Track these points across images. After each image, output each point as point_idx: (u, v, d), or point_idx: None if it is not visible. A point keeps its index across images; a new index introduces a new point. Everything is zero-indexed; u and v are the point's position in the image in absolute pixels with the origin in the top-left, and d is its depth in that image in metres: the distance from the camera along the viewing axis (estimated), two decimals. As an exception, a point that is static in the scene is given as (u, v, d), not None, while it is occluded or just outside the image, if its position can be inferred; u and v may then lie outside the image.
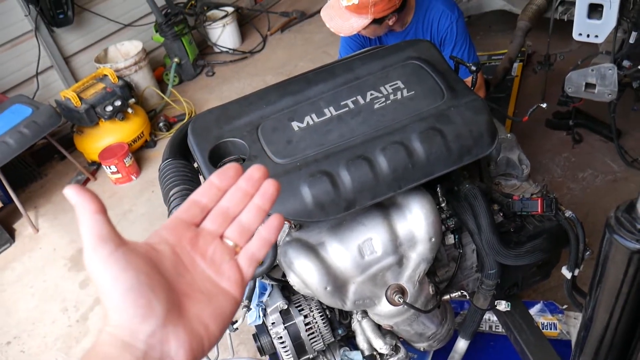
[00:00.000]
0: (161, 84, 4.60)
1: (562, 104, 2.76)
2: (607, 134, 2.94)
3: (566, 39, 3.49)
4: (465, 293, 1.56)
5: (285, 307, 1.50)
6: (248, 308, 1.41)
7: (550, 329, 2.12)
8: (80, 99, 3.63)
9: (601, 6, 2.16)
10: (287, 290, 1.55)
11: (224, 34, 4.95)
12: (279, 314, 1.50)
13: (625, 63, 2.34)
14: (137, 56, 4.25)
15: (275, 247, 1.28)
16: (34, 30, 4.01)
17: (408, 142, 1.32)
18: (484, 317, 2.09)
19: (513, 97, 3.41)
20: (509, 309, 1.65)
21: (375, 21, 2.13)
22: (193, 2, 4.93)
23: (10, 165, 3.44)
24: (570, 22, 3.00)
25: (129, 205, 3.51)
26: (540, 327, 2.06)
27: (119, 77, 3.87)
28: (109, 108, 3.67)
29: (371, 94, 1.45)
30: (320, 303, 1.51)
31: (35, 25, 4.00)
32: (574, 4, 3.09)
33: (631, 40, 2.37)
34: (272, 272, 1.46)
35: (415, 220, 1.37)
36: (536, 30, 3.41)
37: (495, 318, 2.16)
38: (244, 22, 5.30)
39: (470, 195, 1.48)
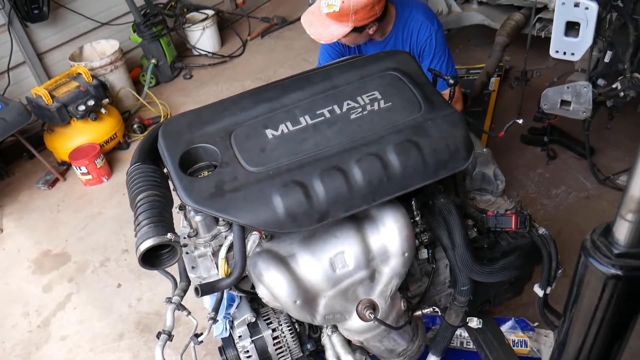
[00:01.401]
0: (137, 85, 4.52)
1: (537, 120, 2.78)
2: (580, 152, 2.97)
3: (543, 55, 3.53)
4: (437, 309, 1.53)
5: (253, 320, 1.46)
6: (214, 320, 1.36)
7: (521, 346, 2.11)
8: (52, 96, 3.53)
9: (578, 24, 2.18)
10: (255, 303, 1.50)
11: (203, 36, 4.89)
12: (246, 327, 1.46)
13: (600, 81, 2.37)
14: (113, 56, 4.17)
15: (244, 257, 1.24)
16: (6, 24, 3.90)
17: (384, 154, 1.29)
18: (455, 332, 2.07)
19: (490, 112, 3.43)
20: (480, 326, 1.63)
21: (356, 29, 2.12)
22: (173, 3, 4.87)
23: (-24, 162, 3.33)
24: (547, 39, 3.03)
25: (98, 208, 3.42)
26: (511, 345, 2.06)
27: (94, 77, 3.79)
28: (82, 107, 3.58)
29: (348, 104, 1.42)
30: (290, 317, 1.48)
31: (9, 19, 3.89)
32: (551, 21, 3.14)
33: (606, 59, 2.40)
34: (241, 283, 1.42)
35: (389, 234, 1.35)
36: (514, 46, 3.44)
37: (466, 334, 2.14)
38: (224, 26, 5.25)
39: (444, 210, 1.47)
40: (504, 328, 2.14)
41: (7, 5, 3.84)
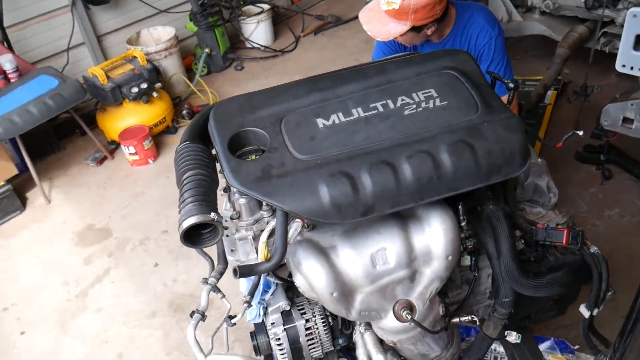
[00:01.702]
0: (189, 72, 4.60)
1: (595, 136, 2.67)
2: (638, 174, 2.83)
3: (605, 71, 3.42)
4: (475, 319, 1.48)
5: (288, 308, 1.44)
6: (249, 304, 1.35)
7: (558, 367, 2.04)
8: (108, 77, 3.63)
9: (649, 39, 2.08)
10: (291, 292, 1.49)
11: (257, 30, 4.94)
12: (280, 314, 1.44)
13: (667, 101, 2.25)
14: (169, 42, 4.25)
15: (285, 243, 1.22)
16: (70, 5, 4.04)
17: (436, 152, 1.26)
18: (491, 346, 2.01)
19: (544, 125, 3.32)
20: (518, 341, 1.58)
21: (414, 29, 2.08)
22: (231, -5, 4.93)
23: (31, 134, 3.44)
24: (611, 55, 2.92)
25: (142, 188, 3.49)
26: (548, 364, 1.98)
27: (149, 61, 3.87)
28: (135, 89, 3.66)
29: (402, 100, 1.39)
30: (324, 309, 1.45)
31: (72, 0, 4.02)
32: (616, 36, 3.03)
33: (676, 79, 2.28)
34: (279, 270, 1.40)
35: (434, 235, 1.31)
36: (574, 60, 3.33)
37: (501, 349, 2.07)
38: (279, 21, 5.29)
39: (493, 217, 1.41)
40: (542, 347, 2.06)
41: (73, -14, 3.97)
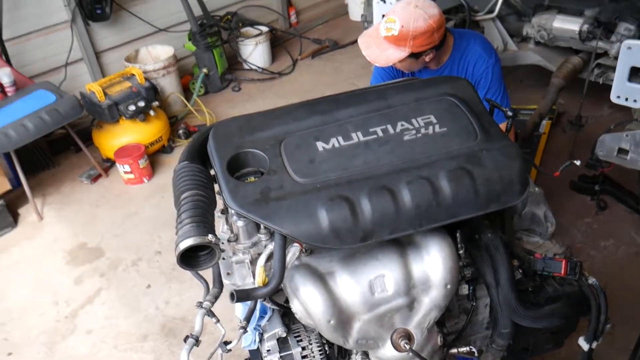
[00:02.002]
0: (186, 92, 4.61)
1: (590, 166, 2.69)
2: (633, 205, 2.85)
3: (599, 102, 3.46)
4: (473, 349, 1.46)
5: (284, 335, 1.41)
6: (245, 329, 1.33)
7: (554, 399, 2.01)
8: (105, 94, 3.63)
9: (644, 71, 2.11)
10: (287, 318, 1.46)
11: (255, 51, 4.97)
12: (276, 341, 1.42)
13: (662, 133, 2.27)
14: (167, 61, 4.27)
15: (283, 268, 1.21)
16: (70, 21, 4.05)
17: (435, 179, 1.25)
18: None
19: (539, 154, 3.35)
20: (516, 373, 1.56)
21: (413, 55, 2.10)
22: (229, 16, 4.98)
23: (25, 149, 3.42)
24: (604, 86, 2.96)
25: (136, 208, 3.46)
26: (544, 396, 1.95)
27: (147, 79, 3.88)
28: (132, 107, 3.66)
29: (402, 125, 1.39)
30: (321, 336, 1.43)
31: (72, 16, 4.04)
32: (610, 67, 3.07)
33: (670, 111, 2.31)
34: (275, 295, 1.38)
35: (433, 263, 1.30)
36: (569, 90, 3.37)
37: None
38: (277, 44, 5.33)
39: (491, 246, 1.41)
40: (538, 379, 2.03)
41: (72, 3, 3.99)
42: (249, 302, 1.36)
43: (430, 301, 1.32)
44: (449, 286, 1.31)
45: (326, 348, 1.45)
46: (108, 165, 3.87)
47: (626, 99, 2.22)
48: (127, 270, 2.97)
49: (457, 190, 1.25)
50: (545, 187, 2.78)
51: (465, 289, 1.47)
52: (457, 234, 1.40)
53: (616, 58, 2.31)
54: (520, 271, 1.52)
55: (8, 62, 3.68)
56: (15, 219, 3.41)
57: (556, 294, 1.47)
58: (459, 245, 1.41)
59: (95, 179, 3.76)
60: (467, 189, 1.26)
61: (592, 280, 1.47)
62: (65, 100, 3.36)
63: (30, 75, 3.88)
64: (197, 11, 4.50)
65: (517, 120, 3.56)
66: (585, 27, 3.06)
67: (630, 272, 2.53)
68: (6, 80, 3.36)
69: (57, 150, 4.01)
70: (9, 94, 3.38)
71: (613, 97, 2.27)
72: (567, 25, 3.20)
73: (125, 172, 3.63)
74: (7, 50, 3.73)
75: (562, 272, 1.44)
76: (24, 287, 2.95)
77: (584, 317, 1.49)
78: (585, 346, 1.46)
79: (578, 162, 1.68)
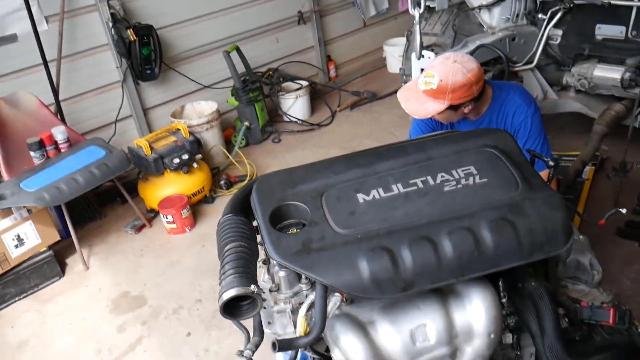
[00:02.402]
0: (228, 144, 4.75)
1: (637, 212, 2.63)
2: (682, 251, 2.75)
3: (644, 148, 3.39)
4: (519, 402, 1.42)
5: (325, 384, 1.41)
6: (286, 379, 1.33)
7: None
8: (152, 148, 3.78)
9: (688, 118, 2.08)
10: (328, 367, 1.46)
11: (295, 104, 5.11)
12: (316, 391, 1.42)
13: None
14: (211, 116, 4.43)
15: (324, 317, 1.22)
16: (121, 81, 4.29)
17: (477, 229, 1.26)
18: None
19: (582, 201, 3.28)
20: None
21: (451, 107, 2.13)
22: (271, 72, 5.17)
23: (74, 202, 3.56)
24: (649, 133, 2.92)
25: (177, 257, 3.53)
26: None
27: (191, 133, 4.02)
28: (177, 160, 3.79)
29: (442, 176, 1.41)
30: (362, 387, 1.42)
31: (124, 77, 4.27)
32: (655, 114, 3.03)
33: None
34: (316, 344, 1.39)
35: (475, 312, 1.29)
36: (612, 137, 3.32)
37: None
38: (316, 96, 5.47)
39: (535, 295, 1.39)
40: None
41: (124, 65, 4.23)
42: (290, 352, 1.37)
43: (473, 351, 1.30)
44: (492, 335, 1.29)
45: (368, 400, 1.43)
46: (152, 215, 3.98)
47: (671, 146, 2.19)
48: (168, 318, 3.01)
49: (499, 240, 1.26)
50: (590, 234, 2.72)
51: (509, 338, 1.45)
52: (500, 283, 1.39)
53: (659, 104, 2.29)
54: (567, 320, 1.48)
55: (63, 120, 3.90)
56: (62, 268, 3.53)
57: (605, 344, 1.43)
58: (502, 294, 1.39)
59: (139, 229, 3.87)
60: (509, 239, 1.27)
61: (643, 330, 1.42)
62: (114, 155, 3.51)
63: (83, 132, 4.09)
64: (240, 68, 4.69)
65: (560, 166, 3.52)
66: (628, 75, 3.05)
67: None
68: (60, 138, 3.55)
69: (104, 202, 4.17)
70: (62, 150, 3.56)
71: (657, 144, 2.24)
72: (609, 73, 3.19)
73: (168, 222, 3.73)
74: (62, 110, 3.96)
75: (611, 320, 1.41)
76: (70, 335, 3.02)
77: (636, 370, 1.43)
78: (638, 401, 1.40)
79: (624, 210, 1.65)
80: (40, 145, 3.46)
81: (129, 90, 4.36)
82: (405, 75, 3.56)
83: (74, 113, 4.14)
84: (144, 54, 4.20)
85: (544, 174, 1.76)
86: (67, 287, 3.40)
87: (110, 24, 4.07)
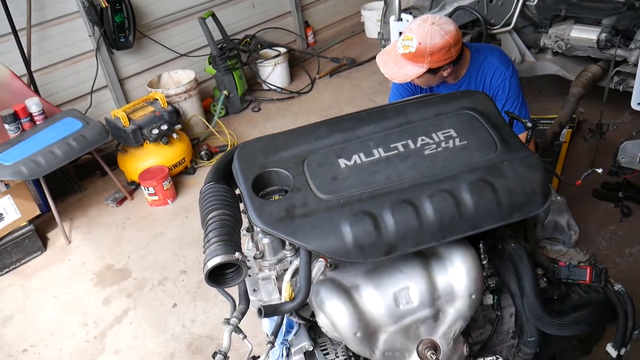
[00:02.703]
0: (207, 114, 4.70)
1: (613, 174, 2.68)
2: (658, 211, 2.82)
3: (619, 109, 3.44)
4: (500, 359, 1.46)
5: (311, 348, 1.43)
6: (272, 344, 1.35)
7: (585, 410, 1.98)
8: (130, 119, 3.72)
9: (663, 78, 2.11)
10: (313, 332, 1.48)
11: (274, 72, 5.05)
12: (303, 355, 1.44)
13: (684, 139, 2.26)
14: (189, 85, 4.37)
15: (309, 283, 1.23)
16: (94, 50, 4.18)
17: (457, 191, 1.27)
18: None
19: (560, 163, 3.33)
20: (545, 382, 1.55)
21: (430, 71, 2.13)
22: (248, 39, 5.09)
23: (53, 175, 3.52)
24: (625, 93, 2.95)
25: (160, 228, 3.53)
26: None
27: (169, 103, 3.97)
28: (155, 131, 3.74)
29: (422, 140, 1.42)
30: (347, 349, 1.44)
31: (97, 46, 4.17)
32: (630, 74, 3.06)
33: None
34: (301, 310, 1.41)
35: (457, 274, 1.31)
36: (588, 99, 3.36)
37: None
38: (295, 64, 5.41)
39: (515, 256, 1.42)
40: (568, 389, 2.01)
41: (97, 33, 4.12)
42: (275, 318, 1.39)
43: (455, 312, 1.33)
44: (473, 296, 1.32)
45: (353, 361, 1.47)
46: (133, 188, 3.95)
47: (646, 106, 2.22)
48: (154, 290, 3.02)
49: (479, 202, 1.27)
50: (568, 195, 2.77)
51: (489, 299, 1.48)
52: (480, 245, 1.42)
53: (636, 65, 2.32)
54: (545, 279, 1.52)
55: (36, 91, 3.81)
56: (44, 243, 3.50)
57: (582, 302, 1.47)
58: (483, 256, 1.42)
59: (120, 201, 3.84)
60: (489, 200, 1.28)
61: (618, 286, 1.47)
62: (92, 127, 3.46)
63: (58, 104, 4.01)
64: (217, 35, 4.60)
65: (537, 129, 3.55)
66: (604, 35, 3.06)
67: (658, 279, 2.50)
68: (35, 110, 3.47)
69: (84, 175, 4.11)
70: (37, 123, 3.49)
71: (634, 104, 2.27)
72: (585, 34, 3.19)
73: (150, 194, 3.70)
74: (35, 81, 3.86)
75: (587, 279, 1.44)
76: (54, 309, 3.01)
77: (611, 324, 1.48)
78: (613, 353, 1.45)
79: (600, 170, 1.68)
80: (15, 117, 3.39)
81: (103, 60, 4.26)
82: (384, 39, 3.53)
83: (47, 84, 4.04)
84: (117, 22, 4.10)
85: (522, 136, 1.78)
86: (49, 261, 3.38)
87: (81, -9, 3.95)
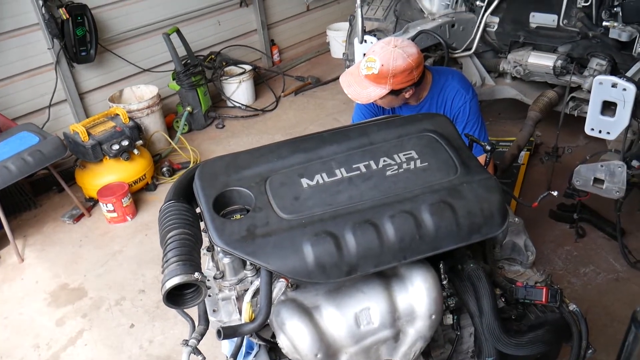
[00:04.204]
0: (170, 130, 4.64)
1: (568, 196, 2.76)
2: (611, 232, 2.91)
3: (575, 133, 3.56)
4: (459, 379, 1.48)
5: (271, 370, 1.42)
6: (231, 367, 1.33)
7: None
8: (89, 134, 3.64)
9: (615, 104, 2.19)
10: (274, 353, 1.47)
11: (238, 89, 5.04)
12: (262, 377, 1.42)
13: (635, 163, 2.35)
14: (151, 100, 4.31)
15: (270, 304, 1.22)
16: (54, 63, 4.08)
17: (418, 212, 1.29)
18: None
19: (518, 185, 3.42)
20: (503, 402, 1.56)
21: (393, 92, 2.16)
22: (213, 56, 5.07)
23: (7, 191, 3.40)
24: (579, 118, 3.06)
25: (119, 246, 3.44)
26: None
27: (131, 118, 3.90)
28: (116, 147, 3.67)
29: (384, 161, 1.44)
30: (308, 371, 1.43)
31: (57, 59, 4.08)
32: (584, 100, 3.17)
33: (641, 141, 2.39)
34: (262, 331, 1.39)
35: (417, 294, 1.32)
36: (545, 123, 3.46)
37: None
38: (260, 82, 5.42)
39: (474, 276, 1.44)
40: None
41: (57, 46, 4.03)
42: (235, 339, 1.37)
43: (415, 332, 1.34)
44: (433, 316, 1.33)
45: (314, 383, 1.45)
46: (91, 204, 3.84)
47: (599, 132, 2.30)
48: (110, 310, 2.93)
49: (440, 223, 1.29)
50: (525, 216, 2.84)
51: (449, 319, 1.49)
52: (441, 265, 1.43)
53: (589, 92, 2.39)
54: (503, 299, 1.55)
55: (-9, 104, 3.69)
56: (-5, 261, 3.36)
57: (538, 321, 1.50)
58: (443, 276, 1.44)
59: (77, 218, 3.73)
60: (449, 221, 1.30)
61: (573, 306, 1.50)
62: (49, 141, 3.36)
63: (14, 117, 3.89)
64: (182, 52, 4.57)
65: (496, 152, 3.64)
66: (559, 62, 3.17)
67: (609, 297, 2.57)
68: (-11, 122, 3.37)
69: (40, 191, 3.98)
70: (-8, 136, 3.38)
71: (587, 130, 2.35)
72: (542, 61, 3.31)
73: (109, 211, 3.61)
74: (-10, 93, 3.75)
75: (544, 299, 1.48)
76: (4, 330, 2.88)
77: (566, 343, 1.52)
78: (569, 373, 1.48)
79: (555, 193, 1.73)
80: (-33, 131, 3.27)
81: (63, 73, 4.16)
82: (348, 60, 3.57)
83: (3, 97, 3.92)
84: (78, 35, 4.02)
85: (481, 158, 1.81)
86: (0, 280, 3.24)
87: (41, 2, 3.85)
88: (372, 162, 1.43)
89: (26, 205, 3.84)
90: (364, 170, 1.41)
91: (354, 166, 1.42)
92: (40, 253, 3.44)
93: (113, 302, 2.98)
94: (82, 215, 3.75)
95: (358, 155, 1.46)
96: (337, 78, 2.31)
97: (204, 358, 1.37)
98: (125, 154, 3.73)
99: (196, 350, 1.37)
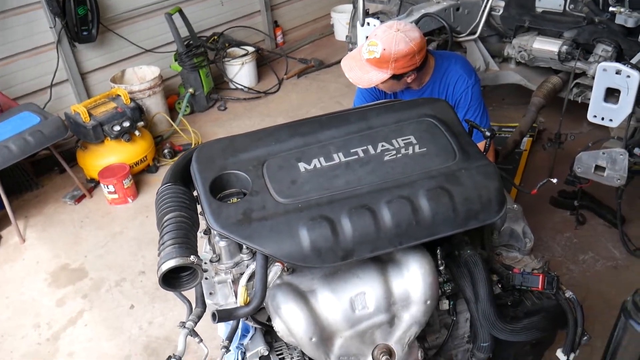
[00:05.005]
0: (172, 111, 4.62)
1: (569, 183, 2.75)
2: (611, 220, 2.91)
3: (578, 120, 3.54)
4: (454, 363, 1.48)
5: (266, 353, 1.43)
6: (227, 349, 1.34)
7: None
8: (90, 115, 3.63)
9: (618, 91, 2.17)
10: (269, 336, 1.48)
11: (241, 71, 5.01)
12: (258, 359, 1.43)
13: (637, 150, 2.34)
14: (153, 81, 4.29)
15: (265, 287, 1.22)
16: (55, 42, 4.06)
17: (415, 198, 1.28)
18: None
19: (520, 171, 3.40)
20: (497, 387, 1.58)
21: (394, 77, 2.14)
22: (216, 37, 5.03)
23: (9, 171, 3.41)
24: (583, 105, 3.03)
25: (120, 228, 3.45)
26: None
27: (132, 99, 3.88)
28: (117, 128, 3.66)
29: (382, 145, 1.43)
30: (303, 354, 1.44)
31: (58, 38, 4.05)
32: (588, 87, 3.14)
33: (644, 129, 2.38)
34: (257, 314, 1.40)
35: (413, 279, 1.32)
36: (549, 109, 3.44)
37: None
38: (263, 63, 5.38)
39: (470, 262, 1.44)
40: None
41: (59, 25, 4.00)
42: (231, 322, 1.37)
43: (410, 317, 1.34)
44: (428, 302, 1.34)
45: (309, 366, 1.46)
46: (92, 185, 3.85)
47: (602, 119, 2.29)
48: (110, 290, 2.95)
49: (436, 209, 1.29)
50: (525, 203, 2.84)
51: (446, 304, 1.50)
52: (437, 251, 1.43)
53: (594, 78, 2.37)
54: (499, 286, 1.55)
55: (-8, 83, 3.68)
56: (-3, 240, 3.38)
57: (534, 308, 1.51)
58: (439, 262, 1.43)
59: (79, 199, 3.74)
60: (445, 207, 1.30)
61: (569, 293, 1.50)
62: (50, 122, 3.36)
63: (16, 97, 3.88)
64: (184, 32, 4.54)
65: (499, 137, 3.62)
66: (564, 48, 3.14)
67: (608, 285, 2.57)
68: (-10, 102, 3.36)
69: (41, 172, 3.99)
70: (-8, 116, 3.37)
71: (590, 117, 2.33)
72: (547, 46, 3.27)
73: (110, 192, 3.62)
74: (-9, 72, 3.73)
75: (540, 286, 1.48)
76: (6, 310, 2.91)
77: (561, 330, 1.52)
78: (563, 358, 1.49)
79: (555, 181, 1.72)
80: (-32, 110, 3.26)
81: (65, 53, 4.14)
82: (351, 43, 3.54)
83: (4, 76, 3.91)
84: (80, 14, 3.99)
85: (481, 144, 1.80)
86: (2, 260, 3.26)
87: (42, -20, 3.83)
88: (370, 147, 1.42)
89: (28, 185, 3.85)
90: (361, 155, 1.40)
91: (351, 151, 1.41)
92: (41, 234, 3.46)
93: (113, 283, 3.00)
94: (83, 196, 3.76)
95: (356, 139, 1.45)
96: (340, 61, 2.29)
97: (201, 340, 1.38)
98: (126, 135, 3.72)
99: (193, 333, 1.38)
